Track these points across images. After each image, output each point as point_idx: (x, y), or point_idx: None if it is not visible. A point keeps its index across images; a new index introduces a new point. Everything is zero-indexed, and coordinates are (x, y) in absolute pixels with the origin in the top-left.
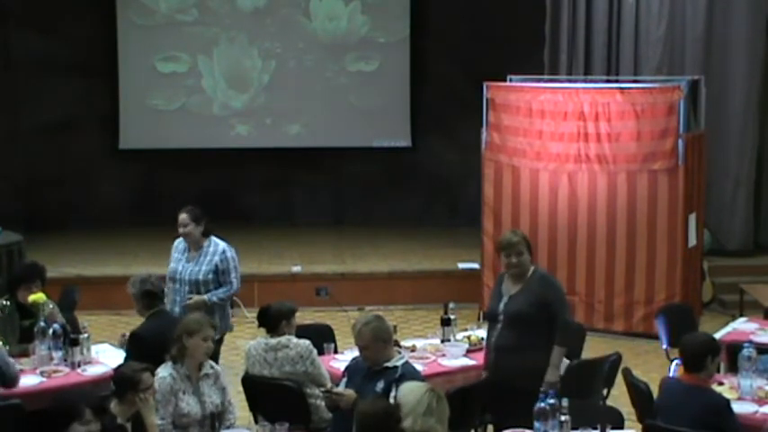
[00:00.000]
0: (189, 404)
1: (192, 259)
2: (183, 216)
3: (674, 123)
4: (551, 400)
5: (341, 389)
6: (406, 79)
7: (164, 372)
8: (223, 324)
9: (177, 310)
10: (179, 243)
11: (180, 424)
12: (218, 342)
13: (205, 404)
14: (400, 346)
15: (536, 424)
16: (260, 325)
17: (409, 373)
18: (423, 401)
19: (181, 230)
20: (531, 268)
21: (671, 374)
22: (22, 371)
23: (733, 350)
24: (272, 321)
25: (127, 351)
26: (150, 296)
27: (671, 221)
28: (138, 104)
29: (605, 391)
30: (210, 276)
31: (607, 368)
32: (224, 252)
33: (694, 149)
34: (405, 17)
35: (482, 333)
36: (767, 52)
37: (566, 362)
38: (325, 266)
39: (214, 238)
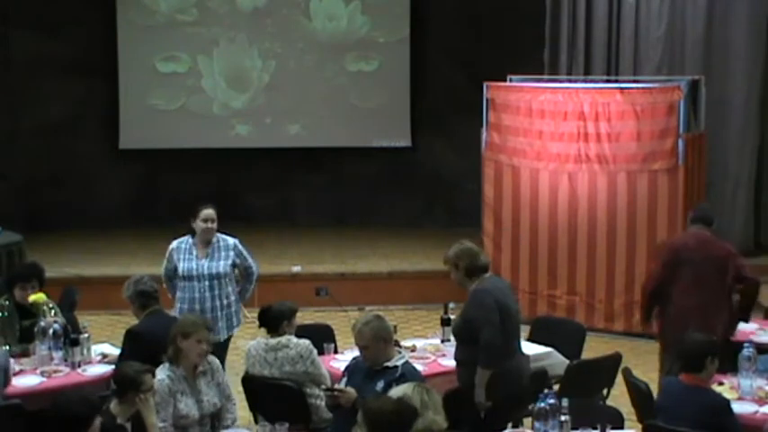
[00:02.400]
0: (187, 405)
1: (205, 255)
2: (211, 212)
3: (674, 123)
4: (551, 400)
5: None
6: (406, 79)
7: (161, 374)
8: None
9: (197, 307)
10: (180, 243)
11: (179, 425)
12: (224, 345)
13: (203, 404)
14: (400, 346)
15: (536, 424)
16: (260, 325)
17: (409, 373)
18: (415, 400)
19: (210, 225)
20: (474, 284)
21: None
22: (22, 371)
23: (733, 350)
24: (272, 321)
25: (123, 348)
26: (145, 296)
27: (671, 221)
28: (138, 104)
29: (605, 391)
30: (229, 269)
31: (607, 368)
32: (236, 246)
33: (694, 149)
34: (405, 17)
35: None
36: (767, 52)
37: (566, 362)
38: (325, 266)
39: (219, 234)
